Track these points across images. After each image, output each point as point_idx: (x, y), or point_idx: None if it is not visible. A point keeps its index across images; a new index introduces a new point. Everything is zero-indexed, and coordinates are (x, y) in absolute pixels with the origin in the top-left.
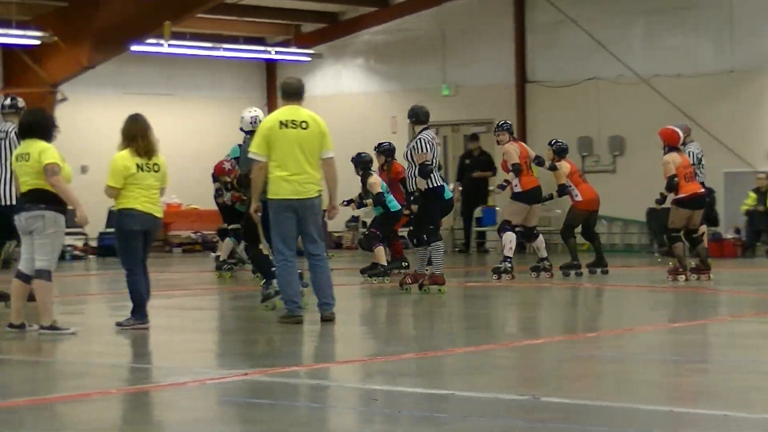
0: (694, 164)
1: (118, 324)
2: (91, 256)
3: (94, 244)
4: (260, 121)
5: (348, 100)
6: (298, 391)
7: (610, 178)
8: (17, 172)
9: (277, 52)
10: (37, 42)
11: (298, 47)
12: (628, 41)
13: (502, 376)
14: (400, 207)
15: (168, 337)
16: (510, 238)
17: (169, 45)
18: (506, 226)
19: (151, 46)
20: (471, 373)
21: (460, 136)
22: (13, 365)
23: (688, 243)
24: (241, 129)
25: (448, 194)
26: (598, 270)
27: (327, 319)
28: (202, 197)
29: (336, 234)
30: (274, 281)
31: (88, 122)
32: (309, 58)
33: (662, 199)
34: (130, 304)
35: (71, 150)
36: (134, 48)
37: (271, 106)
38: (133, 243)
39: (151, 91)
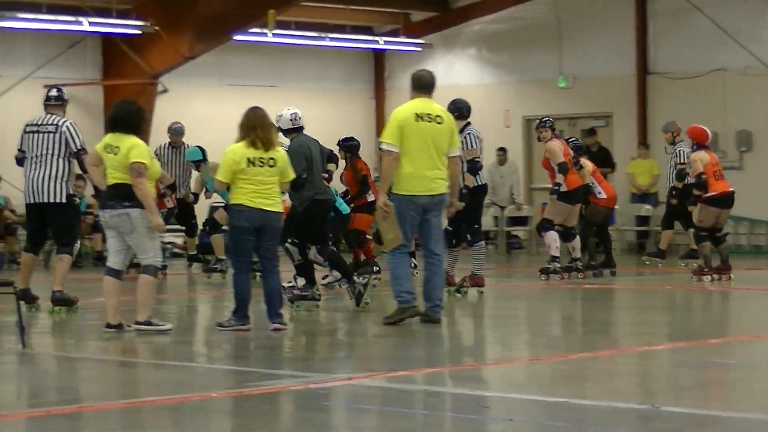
0: None
1: (219, 325)
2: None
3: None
4: (300, 119)
5: (459, 92)
6: (405, 397)
7: (737, 175)
8: (106, 162)
9: (385, 42)
10: (138, 31)
11: (408, 37)
12: (757, 29)
13: (619, 384)
14: (350, 211)
15: (268, 339)
16: (554, 237)
17: (273, 34)
18: (547, 225)
19: (254, 35)
20: (586, 379)
21: (577, 130)
22: (109, 366)
23: (711, 242)
24: (280, 129)
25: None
26: (608, 271)
27: (433, 321)
28: None
29: None
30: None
31: (189, 114)
32: (419, 48)
33: (694, 198)
34: (229, 304)
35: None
36: (237, 37)
37: (378, 98)
38: (241, 240)
39: (253, 83)
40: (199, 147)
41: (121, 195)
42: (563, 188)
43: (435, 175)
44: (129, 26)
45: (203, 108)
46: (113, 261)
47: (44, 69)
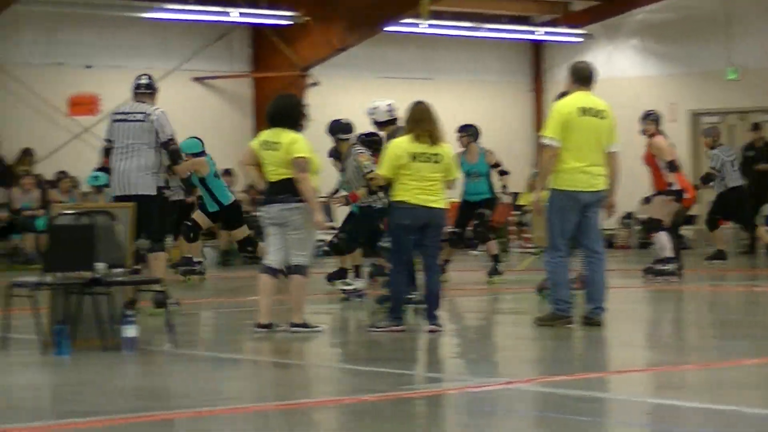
0: None
1: (372, 326)
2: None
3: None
4: (397, 110)
5: (622, 85)
6: (566, 403)
7: None
8: (265, 159)
9: (544, 33)
10: (288, 22)
11: (568, 27)
12: None
13: None
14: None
15: (423, 340)
16: (666, 238)
17: (428, 25)
18: (659, 226)
19: (407, 26)
20: (757, 387)
21: (747, 124)
22: (262, 367)
23: None
24: (375, 121)
25: None
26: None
27: (594, 323)
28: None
29: (608, 231)
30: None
31: (341, 108)
32: (580, 39)
33: None
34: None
35: (323, 138)
36: (389, 28)
37: (537, 91)
38: (401, 238)
39: (406, 75)
40: (198, 138)
41: (292, 190)
42: (676, 186)
43: (597, 171)
44: (279, 17)
45: (354, 101)
46: (272, 259)
47: (192, 61)
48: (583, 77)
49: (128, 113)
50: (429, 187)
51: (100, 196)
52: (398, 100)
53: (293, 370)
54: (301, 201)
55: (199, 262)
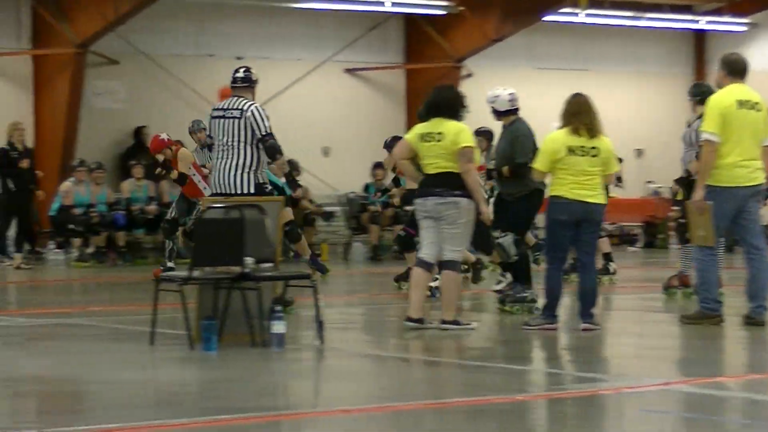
0: None
1: (525, 324)
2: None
3: None
4: (518, 100)
5: None
6: (725, 405)
7: None
8: (424, 152)
9: (707, 22)
10: (442, 12)
11: (732, 16)
12: None
13: None
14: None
15: (577, 339)
16: None
17: (586, 14)
18: None
19: (565, 15)
20: None
21: None
22: (412, 365)
23: None
24: (495, 110)
25: None
26: None
27: (757, 323)
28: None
29: None
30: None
31: None
32: (744, 28)
33: None
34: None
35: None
36: (546, 18)
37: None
38: (557, 233)
39: (564, 66)
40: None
41: (450, 183)
42: None
43: (755, 165)
44: (434, 6)
45: None
46: (426, 253)
47: (344, 52)
48: (738, 69)
49: (226, 110)
50: (587, 181)
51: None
52: (554, 91)
53: (442, 368)
54: (458, 195)
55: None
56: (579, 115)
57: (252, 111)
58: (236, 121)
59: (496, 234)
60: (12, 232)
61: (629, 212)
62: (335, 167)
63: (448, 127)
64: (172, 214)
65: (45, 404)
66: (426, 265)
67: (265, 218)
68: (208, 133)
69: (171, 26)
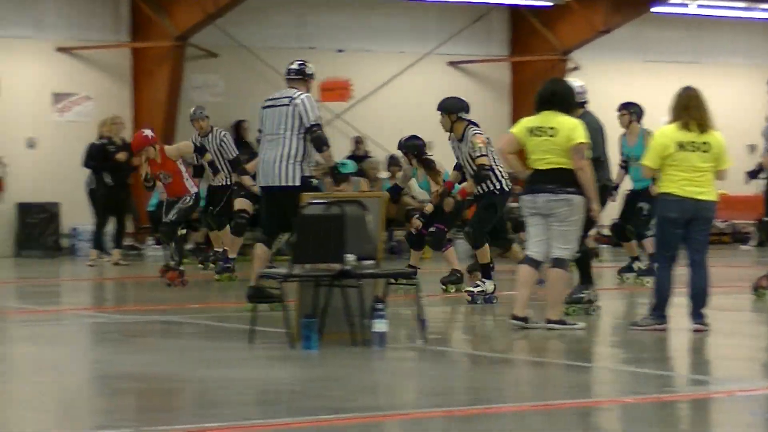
0: None
1: (633, 324)
2: (603, 246)
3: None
4: (586, 93)
5: None
6: None
7: None
8: (533, 146)
9: None
10: (549, 3)
11: None
12: None
13: None
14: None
15: (687, 340)
16: None
17: (698, 5)
18: None
19: (675, 6)
20: None
21: None
22: (517, 365)
23: None
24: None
25: None
26: None
27: None
28: (731, 182)
29: None
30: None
31: (603, 94)
32: None
33: None
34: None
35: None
36: (656, 9)
37: None
38: (667, 231)
39: (674, 59)
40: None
41: (562, 180)
42: None
43: None
44: None
45: (618, 87)
46: (534, 251)
47: (447, 45)
48: None
49: (276, 99)
50: (697, 178)
51: (348, 185)
52: (663, 85)
53: (549, 369)
54: (570, 192)
55: None
56: (689, 109)
57: (302, 99)
58: (285, 108)
59: None
60: (110, 227)
61: (741, 209)
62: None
63: (561, 121)
64: (170, 217)
65: (142, 402)
66: (534, 263)
67: (367, 214)
68: (258, 126)
69: (271, 18)
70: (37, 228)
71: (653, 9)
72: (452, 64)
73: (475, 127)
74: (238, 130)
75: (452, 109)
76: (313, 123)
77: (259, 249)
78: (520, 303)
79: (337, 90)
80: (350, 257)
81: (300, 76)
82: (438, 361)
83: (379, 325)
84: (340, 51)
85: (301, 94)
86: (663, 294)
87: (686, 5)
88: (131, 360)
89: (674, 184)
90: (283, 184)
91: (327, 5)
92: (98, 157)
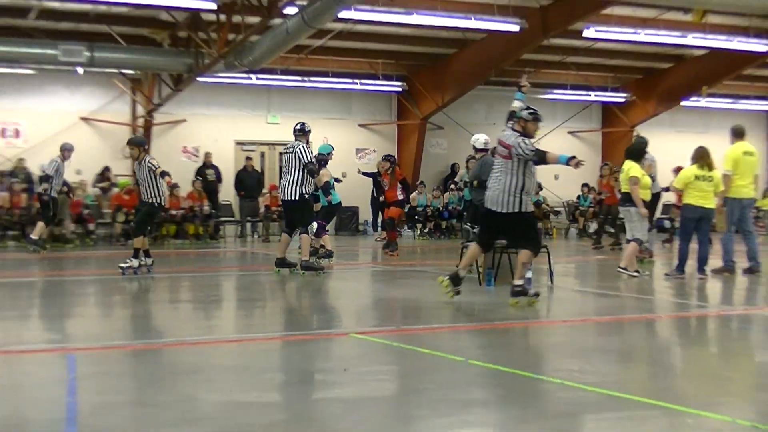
0: None
1: (666, 275)
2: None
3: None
4: (489, 143)
5: None
6: None
7: None
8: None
9: None
10: (623, 100)
11: None
12: None
13: None
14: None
15: (695, 284)
16: None
17: (705, 101)
18: None
19: (693, 101)
20: None
21: None
22: (610, 297)
23: None
24: (475, 148)
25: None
26: None
27: None
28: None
29: None
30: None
31: (653, 149)
32: None
33: None
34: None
35: None
36: (683, 103)
37: None
38: (687, 224)
39: (692, 130)
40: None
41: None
42: None
43: None
44: (619, 97)
45: (661, 145)
46: None
47: (568, 122)
48: None
49: (288, 147)
50: (705, 195)
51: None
52: (687, 145)
53: (621, 299)
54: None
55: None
56: (702, 158)
57: (300, 148)
58: (291, 154)
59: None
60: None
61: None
62: (560, 185)
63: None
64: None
65: (398, 314)
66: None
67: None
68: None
69: (471, 106)
70: (347, 219)
71: (682, 103)
72: (571, 133)
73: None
74: (452, 168)
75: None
76: (307, 162)
77: (284, 237)
78: (628, 259)
79: None
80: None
81: (301, 132)
82: (560, 293)
83: (528, 274)
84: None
85: (300, 145)
86: (683, 258)
87: (699, 101)
88: (393, 290)
89: (693, 199)
90: (288, 198)
91: (502, 97)
92: (376, 181)
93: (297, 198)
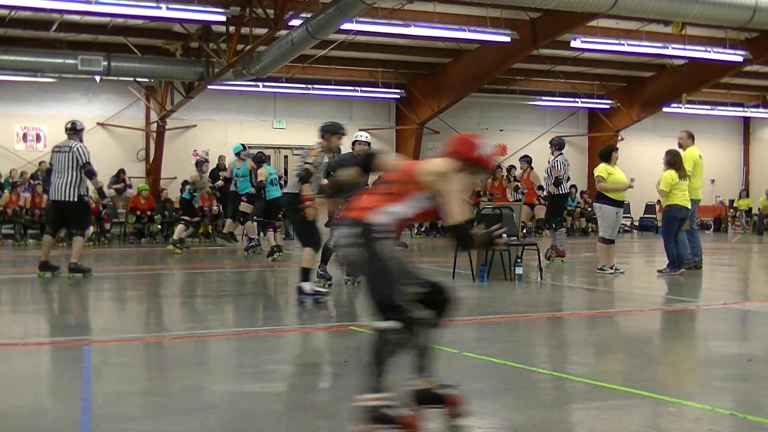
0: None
1: (660, 271)
2: (635, 231)
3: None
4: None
5: None
6: None
7: None
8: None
9: None
10: (608, 107)
11: None
12: None
13: None
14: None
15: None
16: None
17: (685, 107)
18: None
19: (674, 107)
20: None
21: None
22: (597, 292)
23: None
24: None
25: None
26: None
27: None
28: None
29: None
30: None
31: (637, 153)
32: None
33: None
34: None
35: None
36: (665, 109)
37: None
38: (672, 223)
39: (672, 135)
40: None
41: None
42: None
43: None
44: (604, 104)
45: (644, 149)
46: None
47: (556, 127)
48: None
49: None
50: (686, 197)
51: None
52: (664, 148)
53: (603, 294)
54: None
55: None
56: (677, 163)
57: (77, 148)
58: (66, 154)
59: None
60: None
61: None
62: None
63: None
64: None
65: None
66: None
67: (513, 213)
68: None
69: (465, 113)
70: None
71: (663, 109)
72: (560, 137)
73: None
74: None
75: (556, 146)
76: (84, 163)
77: (47, 238)
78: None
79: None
80: (505, 236)
81: (72, 131)
82: (549, 288)
83: (518, 270)
84: (501, 130)
85: (77, 144)
86: (673, 255)
87: (679, 107)
88: None
89: (678, 200)
90: (65, 199)
91: (496, 105)
92: None
93: (75, 199)
